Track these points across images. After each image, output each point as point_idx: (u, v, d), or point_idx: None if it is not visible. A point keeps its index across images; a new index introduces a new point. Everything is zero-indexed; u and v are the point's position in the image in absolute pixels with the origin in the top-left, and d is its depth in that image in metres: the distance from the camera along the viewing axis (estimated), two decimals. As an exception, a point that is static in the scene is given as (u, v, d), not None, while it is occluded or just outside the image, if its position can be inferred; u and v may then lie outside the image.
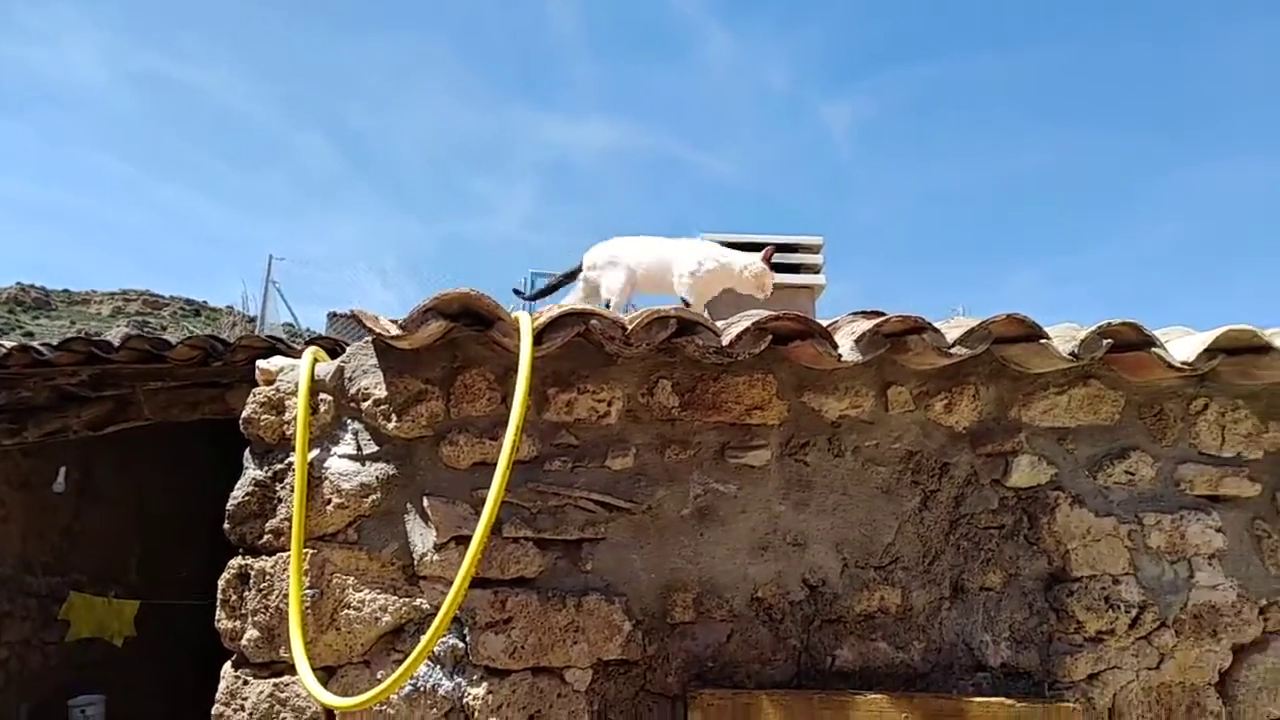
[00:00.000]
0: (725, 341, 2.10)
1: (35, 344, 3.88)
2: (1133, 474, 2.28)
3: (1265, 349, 2.16)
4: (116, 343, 3.82)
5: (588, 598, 2.12)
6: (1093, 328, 2.11)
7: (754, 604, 2.19)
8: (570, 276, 3.30)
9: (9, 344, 3.81)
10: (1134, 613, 2.21)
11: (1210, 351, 2.15)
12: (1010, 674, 2.20)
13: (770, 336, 2.13)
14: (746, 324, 2.11)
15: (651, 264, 3.17)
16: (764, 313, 2.15)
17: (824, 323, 2.29)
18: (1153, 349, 2.13)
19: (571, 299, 3.24)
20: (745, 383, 2.23)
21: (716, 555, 2.20)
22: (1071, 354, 2.09)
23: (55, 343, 3.88)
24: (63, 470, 4.94)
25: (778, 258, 3.69)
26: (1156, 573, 2.25)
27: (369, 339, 2.17)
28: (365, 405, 2.16)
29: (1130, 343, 2.15)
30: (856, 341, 2.13)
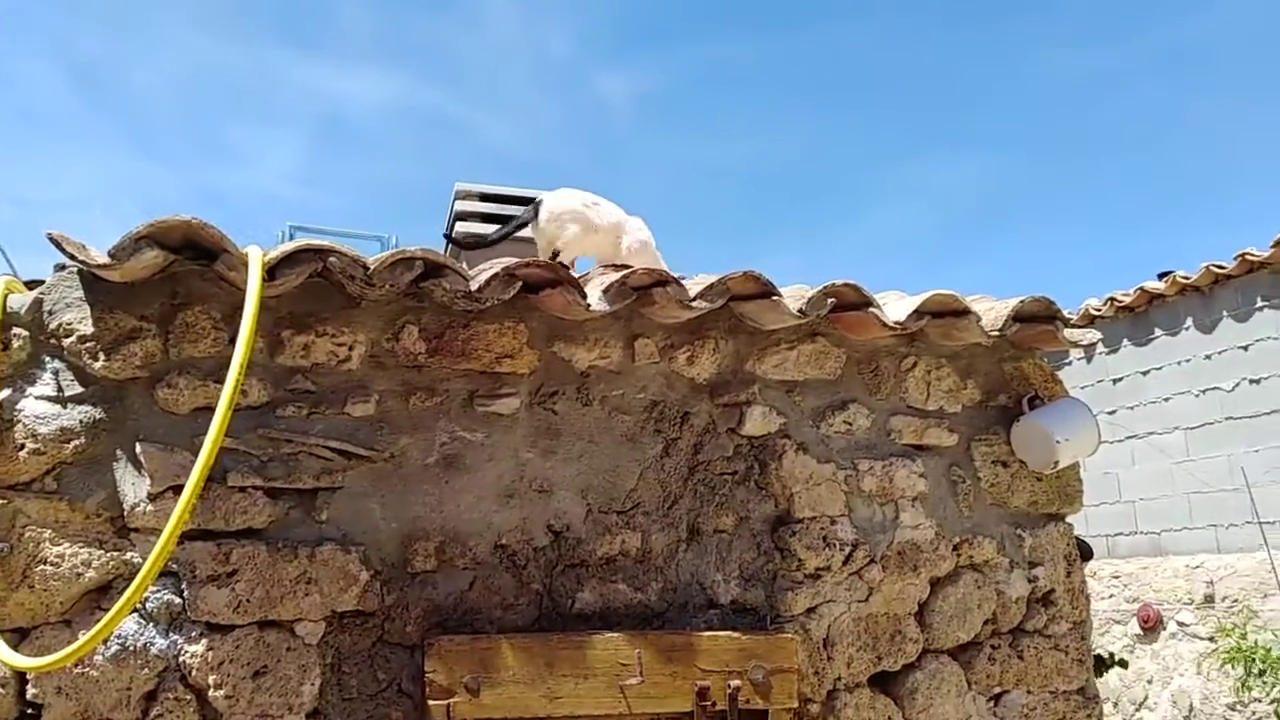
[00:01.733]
0: (474, 286, 2.08)
1: None
2: (851, 424, 2.49)
3: (965, 312, 2.42)
4: None
5: (322, 548, 2.04)
6: (819, 288, 2.28)
7: (498, 551, 2.20)
8: (519, 227, 2.90)
9: None
10: (848, 550, 2.42)
11: (919, 313, 2.38)
12: (739, 610, 2.35)
13: (520, 284, 2.13)
14: (496, 269, 2.10)
15: (607, 225, 2.84)
16: (513, 260, 2.15)
17: (576, 275, 2.33)
18: (870, 309, 2.33)
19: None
20: (496, 331, 2.22)
21: (462, 503, 2.18)
22: (800, 311, 2.24)
23: None
24: None
25: None
26: (868, 514, 2.48)
27: (74, 269, 1.97)
28: (68, 342, 1.95)
29: (852, 303, 2.34)
30: (604, 292, 2.17)
